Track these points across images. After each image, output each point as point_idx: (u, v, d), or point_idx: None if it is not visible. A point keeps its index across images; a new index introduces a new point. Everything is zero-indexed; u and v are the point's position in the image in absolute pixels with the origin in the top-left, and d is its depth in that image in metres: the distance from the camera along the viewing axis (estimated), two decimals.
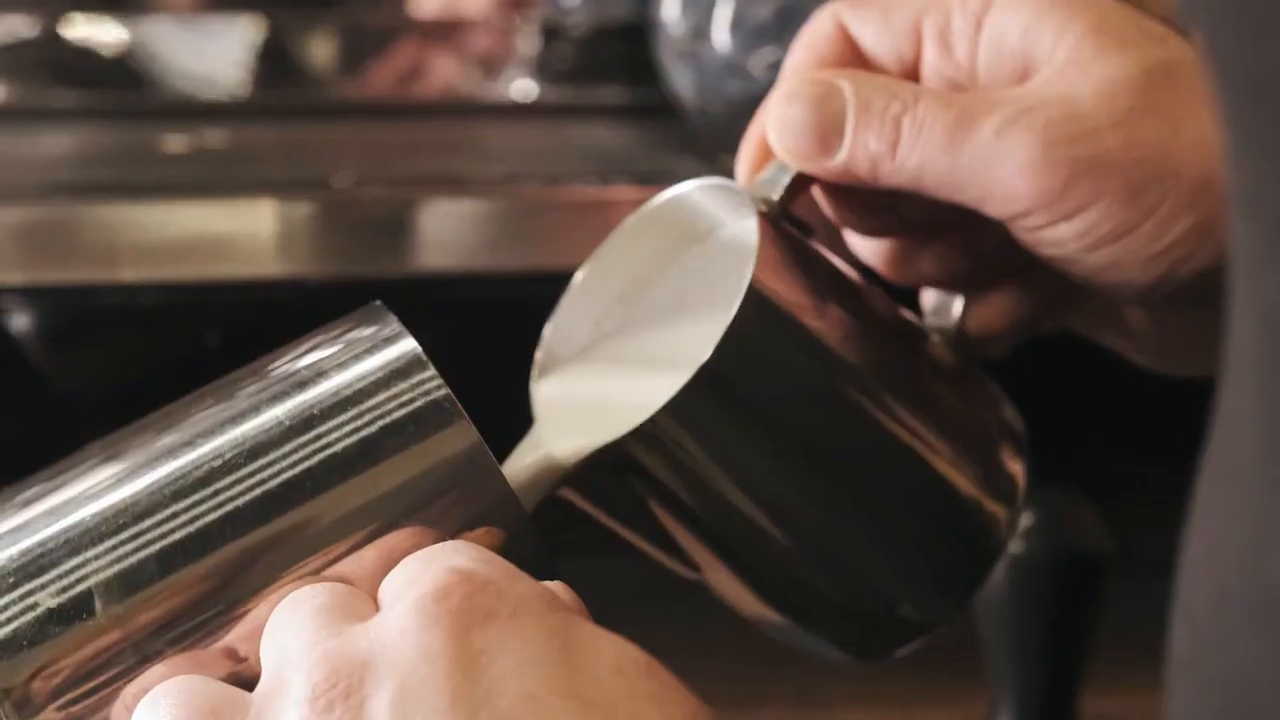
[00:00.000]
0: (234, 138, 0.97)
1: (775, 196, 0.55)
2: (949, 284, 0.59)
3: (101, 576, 0.47)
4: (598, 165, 0.89)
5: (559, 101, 1.02)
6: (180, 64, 1.02)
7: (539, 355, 0.58)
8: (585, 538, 0.57)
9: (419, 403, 0.48)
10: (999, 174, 0.52)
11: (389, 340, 0.49)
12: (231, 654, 0.47)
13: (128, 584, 0.47)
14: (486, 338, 0.77)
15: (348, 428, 0.48)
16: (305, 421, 0.48)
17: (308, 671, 0.44)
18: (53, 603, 0.46)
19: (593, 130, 0.98)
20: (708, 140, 0.88)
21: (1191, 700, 0.35)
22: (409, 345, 0.49)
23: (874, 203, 0.56)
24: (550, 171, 0.87)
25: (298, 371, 0.49)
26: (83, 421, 0.82)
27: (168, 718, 0.45)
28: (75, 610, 0.46)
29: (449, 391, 0.48)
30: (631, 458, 0.52)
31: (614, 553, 0.63)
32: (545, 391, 0.57)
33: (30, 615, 0.46)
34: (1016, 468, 0.57)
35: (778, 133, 0.55)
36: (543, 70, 1.03)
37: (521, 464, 0.55)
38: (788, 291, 0.53)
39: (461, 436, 0.48)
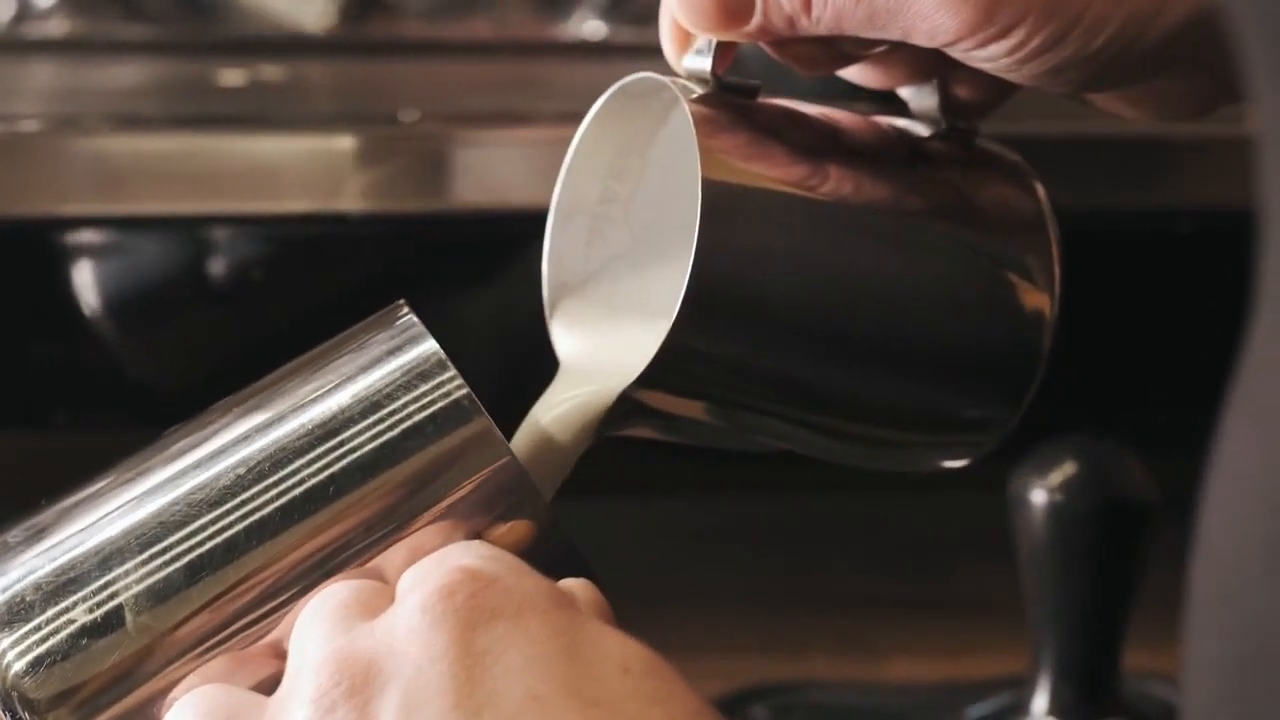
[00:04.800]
0: (307, 72, 0.97)
1: (707, 69, 0.53)
2: (924, 78, 0.57)
3: (133, 591, 0.48)
4: None
5: (627, 41, 1.01)
6: None
7: (546, 288, 0.57)
8: (636, 483, 0.57)
9: (440, 404, 0.48)
10: (917, 11, 0.51)
11: (411, 342, 0.49)
12: (269, 657, 0.48)
13: (159, 597, 0.48)
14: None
15: (369, 433, 0.48)
16: (329, 429, 0.48)
17: (315, 671, 0.44)
18: (86, 618, 0.47)
19: (659, 70, 0.98)
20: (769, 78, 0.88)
21: (1209, 645, 0.34)
22: (429, 347, 0.49)
23: (810, 45, 0.54)
24: None
25: (320, 377, 0.50)
26: (129, 350, 0.83)
27: None
28: (109, 624, 0.47)
29: (469, 391, 0.48)
30: (652, 396, 0.52)
31: (665, 498, 0.62)
32: (561, 329, 0.56)
33: (65, 631, 0.47)
34: (1047, 246, 0.56)
35: (683, 11, 0.53)
36: (611, 10, 1.03)
37: (555, 410, 0.54)
38: (750, 167, 0.52)
39: (480, 434, 0.48)
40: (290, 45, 1.01)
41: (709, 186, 0.50)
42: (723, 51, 0.53)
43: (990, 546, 0.80)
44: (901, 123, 0.57)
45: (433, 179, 0.84)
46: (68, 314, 0.83)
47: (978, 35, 0.51)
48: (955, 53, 0.52)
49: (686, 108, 0.52)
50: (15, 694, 0.47)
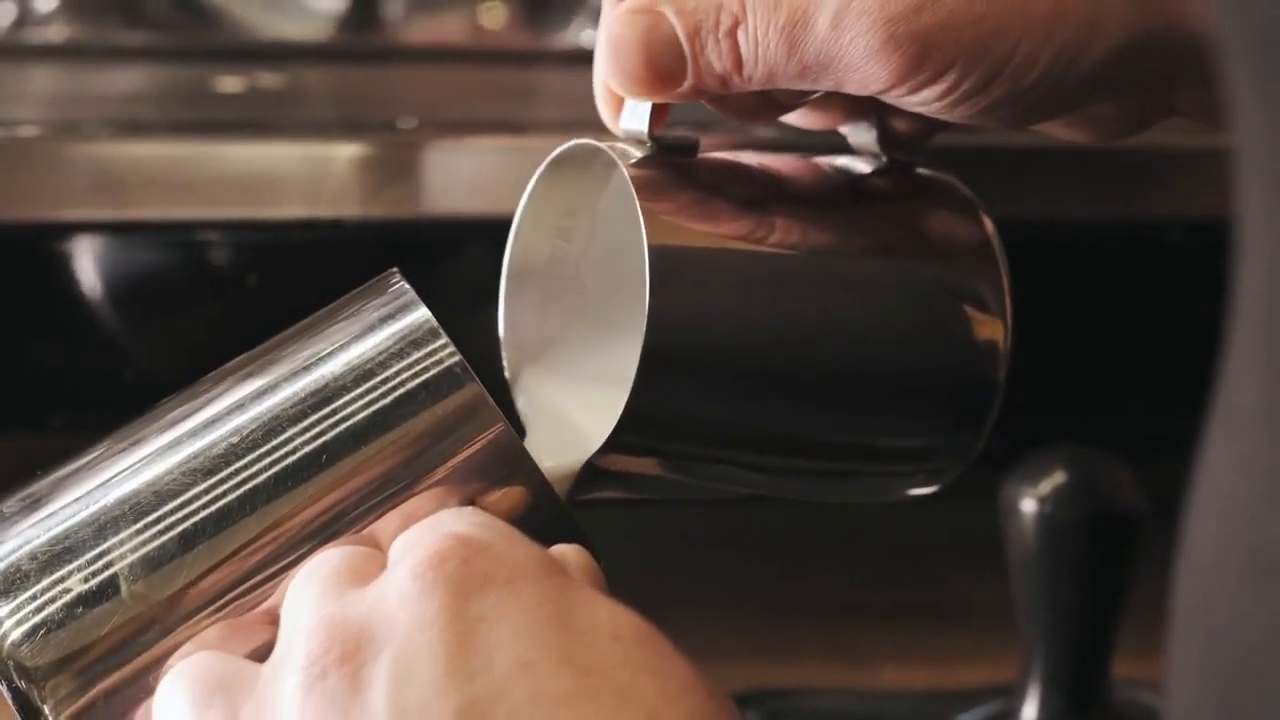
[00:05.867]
0: (306, 79, 0.98)
1: (644, 130, 0.53)
2: (861, 116, 0.57)
3: (128, 560, 0.48)
4: None
5: None
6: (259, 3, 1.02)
7: (506, 357, 0.57)
8: None
9: (432, 371, 0.49)
10: (848, 63, 0.51)
11: (403, 310, 0.50)
12: (263, 625, 0.48)
13: (153, 565, 0.48)
14: None
15: (362, 400, 0.49)
16: (322, 397, 0.49)
17: (307, 637, 0.45)
18: (82, 587, 0.48)
19: None
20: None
21: (1192, 653, 0.35)
22: (421, 314, 0.49)
23: (746, 97, 0.54)
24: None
25: (313, 345, 0.50)
26: (128, 354, 0.83)
27: (183, 691, 0.46)
28: (104, 593, 0.48)
29: (461, 358, 0.49)
30: (616, 460, 0.52)
31: (656, 503, 0.62)
32: (524, 400, 0.56)
33: (61, 600, 0.48)
34: (996, 274, 0.56)
35: (615, 77, 0.52)
36: None
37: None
38: (694, 226, 0.52)
39: (473, 401, 0.49)
40: (289, 52, 1.01)
41: (655, 252, 0.50)
42: (659, 112, 0.53)
43: (981, 555, 0.80)
44: (842, 161, 0.57)
45: (430, 186, 0.84)
46: (67, 318, 0.83)
47: (909, 82, 0.51)
48: (888, 99, 0.52)
49: (626, 173, 0.51)
50: (12, 662, 0.48)
